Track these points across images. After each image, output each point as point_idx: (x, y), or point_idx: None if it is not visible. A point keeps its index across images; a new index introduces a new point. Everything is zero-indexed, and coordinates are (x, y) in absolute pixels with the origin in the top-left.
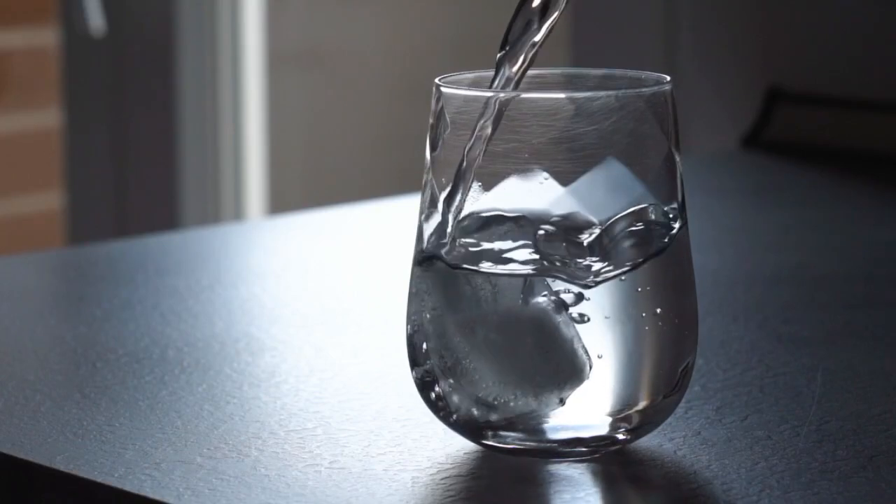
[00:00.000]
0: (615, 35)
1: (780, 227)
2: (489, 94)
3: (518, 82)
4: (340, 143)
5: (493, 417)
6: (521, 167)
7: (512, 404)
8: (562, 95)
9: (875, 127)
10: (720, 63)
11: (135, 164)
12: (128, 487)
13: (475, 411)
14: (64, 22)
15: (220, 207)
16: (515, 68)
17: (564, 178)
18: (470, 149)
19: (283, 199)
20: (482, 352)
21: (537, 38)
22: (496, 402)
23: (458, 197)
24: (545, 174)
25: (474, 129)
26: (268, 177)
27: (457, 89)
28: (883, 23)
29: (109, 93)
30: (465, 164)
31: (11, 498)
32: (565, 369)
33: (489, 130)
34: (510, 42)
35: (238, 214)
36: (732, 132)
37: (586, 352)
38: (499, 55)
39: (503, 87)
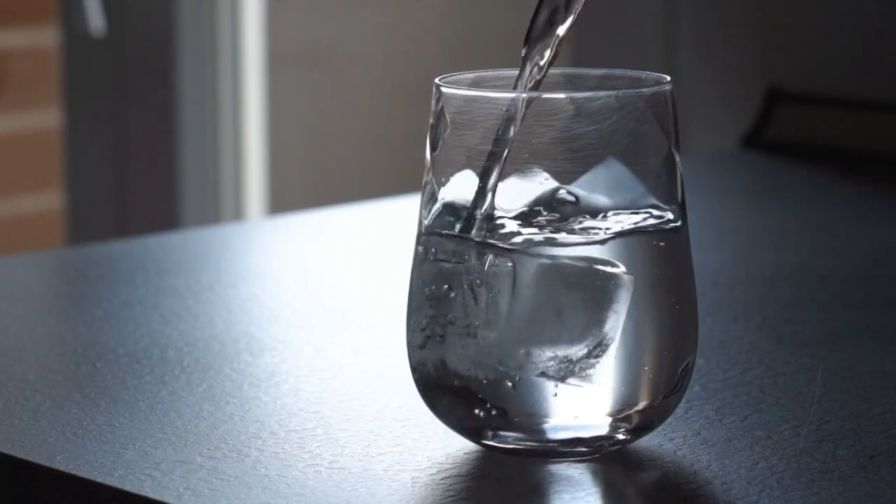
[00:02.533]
0: (615, 35)
1: (780, 227)
2: (492, 94)
3: (543, 77)
4: (340, 143)
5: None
6: (522, 167)
7: (607, 343)
8: (562, 95)
9: (875, 127)
10: (720, 63)
11: (135, 164)
12: (128, 487)
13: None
14: (64, 22)
15: (220, 207)
16: (543, 62)
17: (564, 178)
18: (499, 145)
19: (283, 199)
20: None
21: (562, 30)
22: (596, 355)
23: (490, 189)
24: (545, 174)
25: (503, 129)
26: (268, 177)
27: (457, 89)
28: (883, 23)
29: (109, 93)
30: (496, 159)
31: (11, 498)
32: (609, 285)
33: (516, 127)
34: (533, 37)
35: (238, 214)
36: (732, 132)
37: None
38: (524, 51)
39: (530, 82)
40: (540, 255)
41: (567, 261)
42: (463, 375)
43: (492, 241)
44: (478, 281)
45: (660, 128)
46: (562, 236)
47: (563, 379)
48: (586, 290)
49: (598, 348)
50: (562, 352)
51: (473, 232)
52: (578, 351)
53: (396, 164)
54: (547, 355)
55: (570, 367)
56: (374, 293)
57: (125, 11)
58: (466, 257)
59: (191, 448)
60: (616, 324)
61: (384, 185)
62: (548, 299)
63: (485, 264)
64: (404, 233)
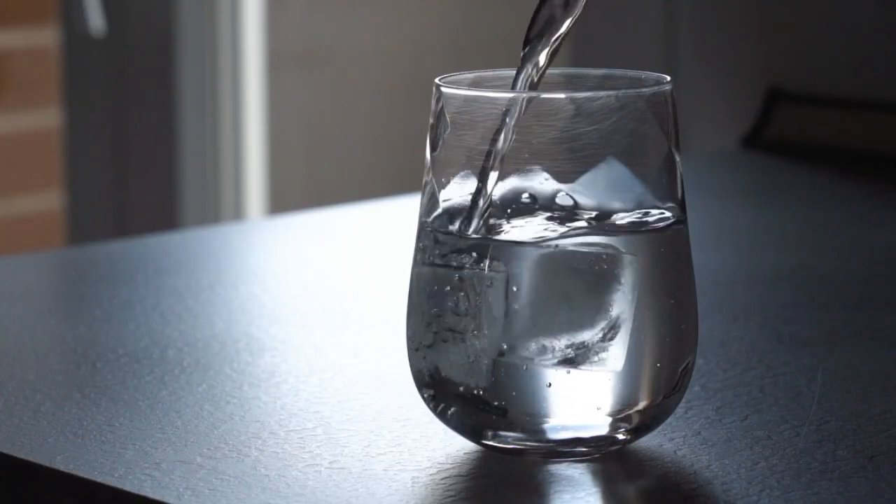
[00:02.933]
0: (615, 35)
1: (780, 227)
2: (492, 94)
3: (541, 78)
4: (340, 143)
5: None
6: (522, 167)
7: (619, 325)
8: (562, 95)
9: (875, 127)
10: (720, 63)
11: (135, 164)
12: (128, 487)
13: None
14: (64, 22)
15: (220, 207)
16: (541, 63)
17: (564, 178)
18: (497, 146)
19: (283, 199)
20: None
21: (561, 31)
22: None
23: (486, 191)
24: (545, 174)
25: (500, 130)
26: (268, 177)
27: (457, 89)
28: (883, 23)
29: (109, 93)
30: (492, 160)
31: (11, 498)
32: (614, 267)
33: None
34: (533, 37)
35: (238, 214)
36: (732, 132)
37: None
38: (523, 53)
39: (529, 83)
40: (540, 247)
41: (569, 249)
42: (467, 372)
43: (491, 236)
44: (480, 277)
45: (660, 128)
46: (561, 230)
47: (577, 366)
48: (591, 275)
49: (612, 331)
50: (574, 339)
51: (472, 229)
52: (592, 336)
53: (396, 164)
54: (562, 343)
55: (585, 353)
56: (374, 293)
57: (125, 11)
58: (467, 255)
59: (191, 448)
60: (624, 306)
61: (384, 185)
62: (553, 289)
63: (486, 260)
64: (404, 233)
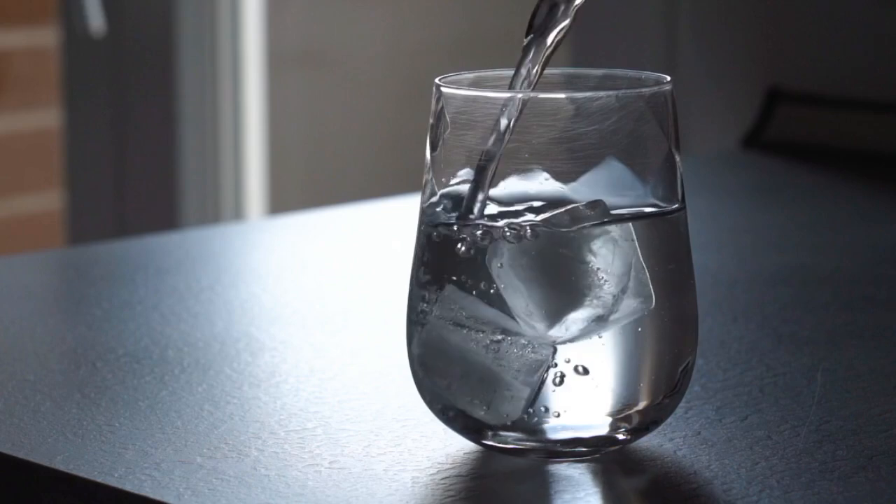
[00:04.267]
0: (615, 35)
1: (780, 227)
2: (492, 94)
3: (537, 78)
4: (340, 143)
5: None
6: (522, 167)
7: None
8: (562, 95)
9: (875, 127)
10: (720, 63)
11: (135, 164)
12: (128, 487)
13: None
14: (64, 22)
15: (220, 207)
16: (537, 65)
17: (565, 178)
18: (492, 146)
19: (283, 199)
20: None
21: (558, 30)
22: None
23: (482, 190)
24: (546, 174)
25: (496, 128)
26: (268, 177)
27: (457, 89)
28: (883, 23)
29: (109, 93)
30: (486, 159)
31: (11, 498)
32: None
33: (510, 128)
34: (532, 36)
35: (238, 214)
36: (732, 132)
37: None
38: (521, 55)
39: (525, 83)
40: (541, 231)
41: (567, 229)
42: (473, 363)
43: (489, 224)
44: (480, 268)
45: (660, 128)
46: (558, 218)
47: (608, 316)
48: (593, 243)
49: (628, 284)
50: (594, 301)
51: (469, 220)
52: (610, 293)
53: (396, 164)
54: (584, 312)
55: (611, 308)
56: (374, 293)
57: (125, 11)
58: (465, 248)
59: (191, 448)
60: (629, 259)
61: (384, 185)
62: (558, 266)
63: (486, 250)
64: (404, 233)
